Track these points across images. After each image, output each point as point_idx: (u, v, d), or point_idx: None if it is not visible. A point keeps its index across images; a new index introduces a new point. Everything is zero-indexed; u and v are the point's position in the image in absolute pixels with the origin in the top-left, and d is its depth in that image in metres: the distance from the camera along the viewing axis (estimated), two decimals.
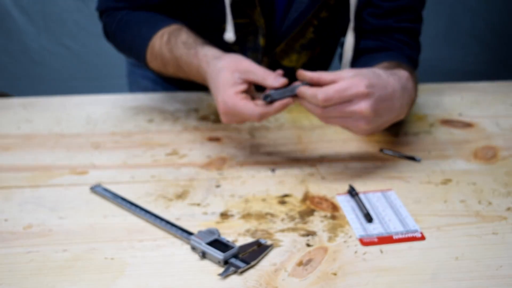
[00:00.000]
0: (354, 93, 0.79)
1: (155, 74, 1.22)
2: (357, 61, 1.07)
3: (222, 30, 1.06)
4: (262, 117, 0.83)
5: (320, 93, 0.79)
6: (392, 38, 1.06)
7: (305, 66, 1.18)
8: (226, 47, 1.12)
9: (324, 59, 1.22)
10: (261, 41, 1.08)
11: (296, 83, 0.83)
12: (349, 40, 1.05)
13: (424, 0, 1.06)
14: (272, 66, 1.14)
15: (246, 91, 0.85)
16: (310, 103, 0.82)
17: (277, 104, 0.83)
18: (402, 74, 0.87)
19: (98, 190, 0.85)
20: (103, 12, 1.10)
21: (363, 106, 0.80)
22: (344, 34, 1.09)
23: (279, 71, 0.86)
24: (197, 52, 0.92)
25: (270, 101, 0.84)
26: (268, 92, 0.84)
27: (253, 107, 0.82)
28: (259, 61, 1.11)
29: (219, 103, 0.85)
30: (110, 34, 1.10)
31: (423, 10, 1.08)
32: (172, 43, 0.96)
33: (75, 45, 2.30)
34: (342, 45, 1.16)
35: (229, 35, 1.04)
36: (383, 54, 1.04)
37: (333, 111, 0.81)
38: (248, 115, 0.83)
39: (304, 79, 0.83)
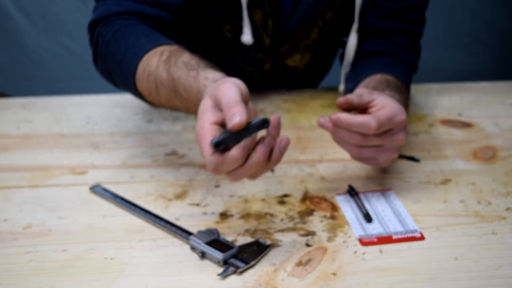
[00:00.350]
0: (400, 121, 0.79)
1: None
2: (355, 64, 1.07)
3: (222, 32, 1.06)
4: (216, 168, 0.64)
5: (373, 121, 0.77)
6: (391, 41, 1.06)
7: (308, 65, 1.18)
8: (226, 50, 1.12)
9: (326, 58, 1.23)
10: (266, 41, 1.07)
11: (254, 120, 0.64)
12: (352, 41, 1.05)
13: (424, 1, 1.06)
14: (276, 65, 1.14)
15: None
16: (350, 133, 0.79)
17: (235, 152, 0.63)
18: (397, 98, 0.88)
19: (98, 190, 0.85)
20: (101, 20, 0.97)
21: (401, 135, 0.80)
22: (346, 34, 1.09)
23: (241, 116, 0.63)
24: (198, 74, 0.77)
25: (223, 149, 0.64)
26: (216, 138, 0.63)
27: (211, 153, 0.64)
28: (263, 61, 1.11)
29: (196, 133, 0.68)
30: (102, 47, 0.94)
31: (426, 10, 1.08)
32: (172, 62, 0.82)
33: (75, 45, 2.30)
34: (343, 45, 1.16)
35: (247, 37, 1.03)
36: (380, 59, 1.05)
37: (374, 140, 0.79)
38: (205, 161, 0.65)
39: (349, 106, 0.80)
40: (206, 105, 0.67)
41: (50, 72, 2.35)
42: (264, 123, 0.64)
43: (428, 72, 1.28)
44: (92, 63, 1.00)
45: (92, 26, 0.99)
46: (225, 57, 1.13)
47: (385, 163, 0.83)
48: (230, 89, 0.65)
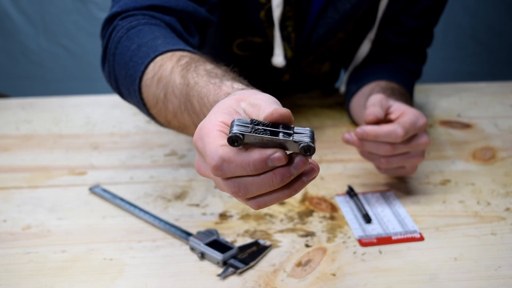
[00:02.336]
0: (422, 125, 0.80)
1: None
2: (360, 68, 1.07)
3: (232, 47, 1.05)
4: (221, 164, 0.48)
5: (399, 128, 0.77)
6: (401, 52, 1.06)
7: (327, 73, 1.18)
8: (243, 63, 1.10)
9: (345, 64, 1.21)
10: (289, 53, 1.04)
11: (285, 134, 0.48)
12: (364, 49, 1.05)
13: (440, 15, 1.06)
14: (296, 73, 1.13)
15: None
16: (378, 144, 0.79)
17: (253, 153, 0.47)
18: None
19: (97, 190, 0.85)
20: (122, 13, 0.83)
21: (425, 138, 0.80)
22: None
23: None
24: (222, 83, 0.61)
25: (239, 145, 0.47)
26: (236, 130, 0.47)
27: (220, 144, 0.49)
28: (283, 71, 1.09)
29: (196, 129, 0.53)
30: (113, 43, 0.81)
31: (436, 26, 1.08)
32: (191, 68, 0.67)
33: (74, 45, 2.30)
34: None
35: (278, 59, 1.00)
36: (385, 65, 1.05)
37: (402, 148, 0.79)
38: (207, 154, 0.49)
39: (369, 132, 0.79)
40: (226, 104, 0.53)
41: (49, 72, 2.35)
42: (308, 150, 0.47)
43: (428, 73, 1.27)
44: (100, 64, 0.85)
45: (109, 21, 0.83)
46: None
47: (412, 170, 0.83)
48: (268, 97, 0.52)
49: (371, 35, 1.03)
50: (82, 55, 2.29)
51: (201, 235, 0.73)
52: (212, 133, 0.50)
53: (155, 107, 0.73)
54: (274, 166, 0.47)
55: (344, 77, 1.12)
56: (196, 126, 0.59)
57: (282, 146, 0.47)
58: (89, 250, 0.73)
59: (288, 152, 0.48)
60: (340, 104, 1.16)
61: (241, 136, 0.47)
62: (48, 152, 0.99)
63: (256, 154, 0.47)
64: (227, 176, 0.49)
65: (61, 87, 2.26)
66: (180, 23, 0.84)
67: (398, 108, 0.82)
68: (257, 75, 1.13)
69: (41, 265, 0.70)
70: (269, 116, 0.48)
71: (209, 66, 0.67)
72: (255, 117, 0.50)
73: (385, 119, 0.82)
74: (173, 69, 0.70)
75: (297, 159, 0.48)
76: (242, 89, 0.58)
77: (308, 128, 0.48)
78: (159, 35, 0.77)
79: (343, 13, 0.98)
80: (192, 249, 0.72)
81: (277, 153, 0.47)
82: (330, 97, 1.21)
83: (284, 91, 1.20)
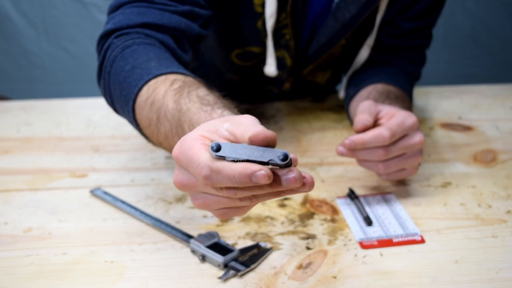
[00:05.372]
0: (411, 124, 0.80)
1: None
2: (358, 71, 1.07)
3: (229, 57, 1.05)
4: (210, 174, 0.51)
5: (384, 130, 0.78)
6: (398, 55, 1.06)
7: (329, 80, 1.18)
8: (243, 71, 1.10)
9: (345, 70, 1.21)
10: (288, 61, 1.04)
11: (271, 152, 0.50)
12: (363, 55, 1.05)
13: (437, 17, 1.06)
14: (296, 81, 1.13)
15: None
16: (370, 151, 0.79)
17: (240, 166, 0.49)
18: (399, 107, 0.87)
19: (98, 193, 0.85)
20: (116, 31, 0.83)
21: (418, 137, 0.80)
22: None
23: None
24: (212, 111, 0.64)
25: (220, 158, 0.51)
26: (221, 142, 0.51)
27: (206, 157, 0.52)
28: (283, 80, 1.09)
29: (176, 144, 0.56)
30: (108, 61, 0.81)
31: (434, 27, 1.08)
32: (184, 94, 0.69)
33: (75, 48, 2.30)
34: None
35: (271, 69, 0.99)
36: (383, 68, 1.05)
37: (395, 150, 0.79)
38: (195, 165, 0.52)
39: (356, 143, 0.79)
40: (209, 124, 0.56)
41: (50, 75, 2.35)
42: (285, 159, 0.49)
43: (428, 75, 1.27)
44: (96, 78, 0.86)
45: (104, 37, 0.84)
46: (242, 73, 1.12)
47: (413, 170, 0.83)
48: (252, 119, 0.55)
49: (370, 41, 1.03)
50: (83, 57, 2.29)
51: (202, 237, 0.73)
52: (195, 145, 0.53)
53: (147, 128, 0.75)
54: (257, 183, 0.49)
55: (343, 81, 1.12)
56: None
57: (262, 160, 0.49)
58: (90, 252, 0.73)
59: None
60: (341, 107, 1.16)
61: (220, 145, 0.50)
62: (49, 155, 0.99)
63: (241, 168, 0.49)
64: (216, 186, 0.52)
65: (62, 90, 2.26)
66: (173, 40, 0.84)
67: (387, 112, 0.82)
68: (258, 84, 1.13)
69: (42, 268, 0.70)
70: (255, 136, 0.50)
71: (202, 92, 0.68)
72: (239, 135, 0.53)
73: (376, 125, 0.82)
74: (166, 93, 0.71)
75: (289, 175, 0.49)
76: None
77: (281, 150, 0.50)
78: (153, 56, 0.78)
79: (343, 23, 0.98)
80: (193, 251, 0.72)
81: (262, 171, 0.48)
82: (332, 100, 1.20)
83: (285, 100, 1.20)
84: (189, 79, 0.73)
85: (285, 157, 0.49)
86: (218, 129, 0.55)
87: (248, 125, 0.53)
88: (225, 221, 0.79)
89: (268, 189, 0.50)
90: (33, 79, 2.36)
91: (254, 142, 0.51)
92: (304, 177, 0.51)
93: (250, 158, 0.50)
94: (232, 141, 0.54)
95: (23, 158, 0.97)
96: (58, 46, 2.32)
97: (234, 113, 0.63)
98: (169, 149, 0.73)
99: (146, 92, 0.74)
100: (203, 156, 0.52)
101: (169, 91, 0.71)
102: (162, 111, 0.70)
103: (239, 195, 0.52)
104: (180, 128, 0.67)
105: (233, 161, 0.50)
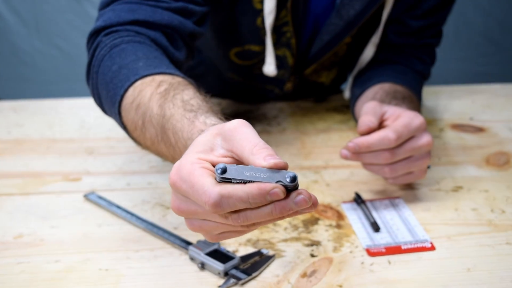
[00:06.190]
0: (418, 125, 0.80)
1: None
2: (364, 71, 1.07)
3: (228, 56, 1.05)
4: (220, 201, 0.51)
5: (390, 132, 0.78)
6: (407, 53, 1.06)
7: (334, 80, 1.18)
8: (242, 70, 1.11)
9: (349, 70, 1.21)
10: (290, 60, 1.04)
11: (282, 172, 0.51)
12: (368, 53, 1.05)
13: (447, 15, 1.06)
14: (300, 82, 1.13)
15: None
16: (375, 154, 0.79)
17: (254, 186, 0.51)
18: (405, 108, 0.88)
19: (92, 197, 0.85)
20: (106, 28, 0.84)
21: (426, 138, 0.80)
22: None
23: (275, 161, 0.52)
24: (195, 118, 0.64)
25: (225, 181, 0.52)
26: (223, 164, 0.52)
27: (211, 182, 0.52)
28: (285, 80, 1.10)
29: (172, 169, 0.56)
30: (96, 60, 0.82)
31: (444, 24, 1.08)
32: (169, 97, 0.69)
33: (68, 46, 2.31)
34: None
35: (270, 68, 0.99)
36: (391, 66, 1.05)
37: (402, 153, 0.79)
38: (200, 193, 0.52)
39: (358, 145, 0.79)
40: (202, 140, 0.56)
41: (43, 74, 2.35)
42: (293, 181, 0.51)
43: (438, 74, 1.27)
44: (85, 78, 0.87)
45: (94, 34, 0.85)
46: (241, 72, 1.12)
47: (421, 173, 0.83)
48: (250, 132, 0.55)
49: (375, 39, 1.03)
50: (77, 55, 2.30)
51: (201, 244, 0.73)
52: (196, 171, 0.53)
53: (134, 132, 0.76)
54: (272, 200, 0.51)
55: (348, 81, 1.12)
56: (172, 158, 0.68)
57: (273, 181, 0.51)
58: (84, 260, 0.73)
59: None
60: (347, 107, 1.17)
61: (226, 168, 0.51)
62: (41, 157, 0.99)
63: (255, 189, 0.50)
64: (226, 211, 0.52)
65: (54, 89, 2.27)
66: (165, 37, 0.85)
67: (393, 113, 0.82)
68: (258, 84, 1.13)
69: (33, 276, 0.70)
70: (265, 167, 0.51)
71: (187, 96, 0.69)
72: (239, 153, 0.54)
73: (381, 126, 0.82)
74: (151, 96, 0.71)
75: (299, 197, 0.51)
76: (215, 124, 0.61)
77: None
78: (142, 55, 0.79)
79: (347, 20, 0.98)
80: (192, 259, 0.72)
81: (276, 189, 0.50)
82: (336, 100, 1.21)
83: (287, 99, 1.20)
84: (177, 80, 0.74)
85: (294, 178, 0.50)
86: (213, 148, 0.55)
87: (244, 140, 0.54)
88: None
89: (277, 213, 0.52)
90: (24, 78, 2.36)
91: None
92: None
93: (258, 180, 0.51)
94: (231, 158, 0.55)
95: (13, 161, 0.97)
96: (50, 43, 2.33)
97: (218, 119, 0.64)
98: (156, 154, 0.74)
99: (132, 94, 0.74)
100: (207, 182, 0.52)
101: (154, 94, 0.71)
102: (147, 116, 0.71)
103: (245, 223, 0.53)
104: (165, 135, 0.68)
105: (239, 183, 0.51)
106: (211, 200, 0.51)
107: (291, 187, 0.51)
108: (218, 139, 0.56)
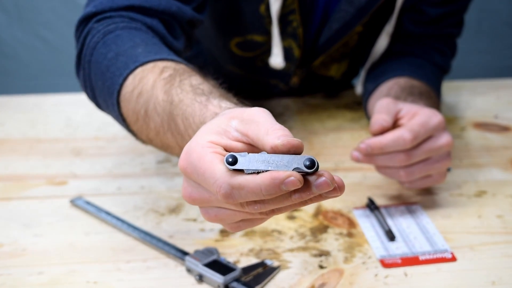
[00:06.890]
0: (436, 123, 0.80)
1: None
2: (378, 64, 1.07)
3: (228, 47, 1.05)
4: (231, 192, 0.51)
5: (406, 132, 0.77)
6: (425, 44, 1.06)
7: (345, 74, 1.18)
8: (245, 63, 1.11)
9: (361, 63, 1.21)
10: (296, 51, 1.04)
11: (296, 157, 0.51)
12: (382, 43, 1.05)
13: (469, 2, 1.06)
14: (307, 76, 1.13)
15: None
16: (390, 156, 0.79)
17: (266, 176, 0.49)
18: (423, 104, 0.88)
19: (79, 203, 0.86)
20: (97, 14, 0.83)
21: (445, 138, 0.80)
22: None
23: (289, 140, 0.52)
24: (208, 101, 0.63)
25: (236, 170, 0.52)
26: (236, 154, 0.51)
27: (222, 170, 0.52)
28: (291, 74, 1.10)
29: (182, 153, 0.56)
30: (88, 49, 0.81)
31: (465, 12, 1.08)
32: (175, 83, 0.69)
33: (53, 37, 2.31)
34: None
35: (277, 60, 0.99)
36: (407, 59, 1.05)
37: (418, 154, 0.79)
38: (212, 182, 0.52)
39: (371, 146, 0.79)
40: (216, 123, 0.56)
41: (25, 67, 2.36)
42: (312, 166, 0.50)
43: (459, 68, 1.27)
44: (75, 69, 0.86)
45: (84, 21, 0.84)
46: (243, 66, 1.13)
47: (441, 177, 0.83)
48: (270, 117, 0.55)
49: (389, 28, 1.03)
50: (63, 47, 2.30)
51: (199, 254, 0.73)
52: (206, 156, 0.53)
53: (135, 124, 0.75)
54: (288, 190, 0.49)
55: (360, 75, 1.12)
56: (180, 148, 0.66)
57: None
58: (70, 271, 0.73)
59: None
60: (359, 104, 1.17)
61: (234, 157, 0.50)
62: (23, 159, 0.99)
63: (268, 179, 0.49)
64: (238, 202, 0.51)
65: (38, 84, 2.27)
66: (163, 25, 0.85)
67: (409, 110, 0.82)
68: (261, 78, 1.13)
69: None
70: (278, 147, 0.50)
71: (195, 81, 0.68)
72: (253, 136, 0.53)
73: (396, 125, 0.82)
74: (155, 82, 0.71)
75: (321, 179, 0.50)
76: (230, 108, 0.60)
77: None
78: (139, 41, 0.78)
79: (358, 6, 0.98)
80: (189, 270, 0.72)
81: (292, 177, 0.48)
82: (347, 96, 1.21)
83: (294, 96, 1.20)
84: (181, 66, 0.73)
85: (312, 163, 0.49)
86: (227, 130, 0.55)
87: (262, 123, 0.53)
88: (225, 236, 0.79)
89: (297, 198, 0.51)
90: (5, 72, 2.36)
91: (278, 152, 0.51)
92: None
93: (272, 169, 0.50)
94: (245, 143, 0.54)
95: None
96: (33, 34, 2.33)
97: (233, 104, 0.63)
98: (161, 146, 0.74)
99: (132, 82, 0.74)
100: (218, 170, 0.51)
101: (158, 81, 0.71)
102: (151, 104, 0.70)
103: (262, 210, 0.52)
104: (172, 123, 0.67)
105: (253, 173, 0.50)
106: (222, 191, 0.51)
107: (310, 173, 0.50)
108: (233, 122, 0.55)
